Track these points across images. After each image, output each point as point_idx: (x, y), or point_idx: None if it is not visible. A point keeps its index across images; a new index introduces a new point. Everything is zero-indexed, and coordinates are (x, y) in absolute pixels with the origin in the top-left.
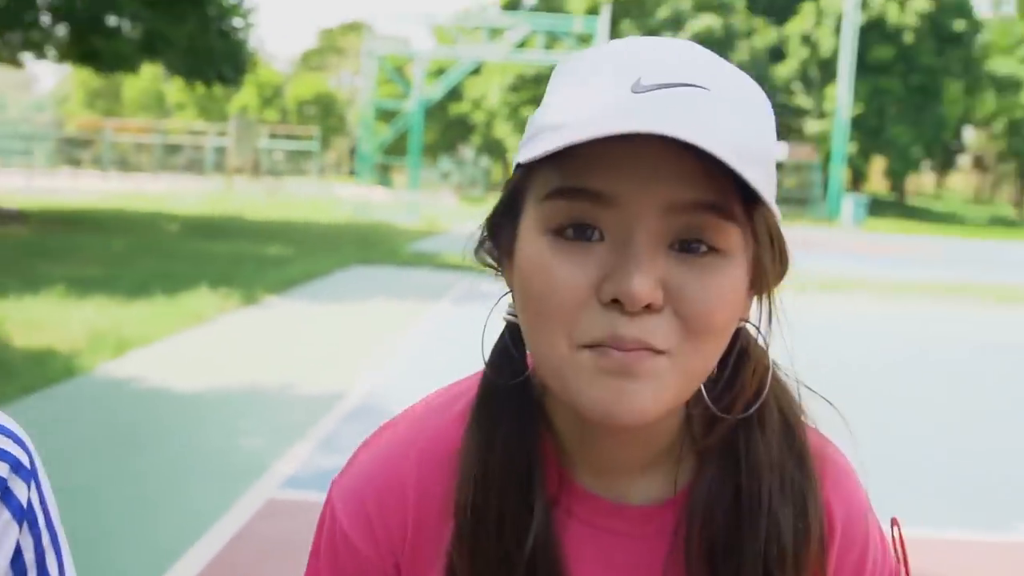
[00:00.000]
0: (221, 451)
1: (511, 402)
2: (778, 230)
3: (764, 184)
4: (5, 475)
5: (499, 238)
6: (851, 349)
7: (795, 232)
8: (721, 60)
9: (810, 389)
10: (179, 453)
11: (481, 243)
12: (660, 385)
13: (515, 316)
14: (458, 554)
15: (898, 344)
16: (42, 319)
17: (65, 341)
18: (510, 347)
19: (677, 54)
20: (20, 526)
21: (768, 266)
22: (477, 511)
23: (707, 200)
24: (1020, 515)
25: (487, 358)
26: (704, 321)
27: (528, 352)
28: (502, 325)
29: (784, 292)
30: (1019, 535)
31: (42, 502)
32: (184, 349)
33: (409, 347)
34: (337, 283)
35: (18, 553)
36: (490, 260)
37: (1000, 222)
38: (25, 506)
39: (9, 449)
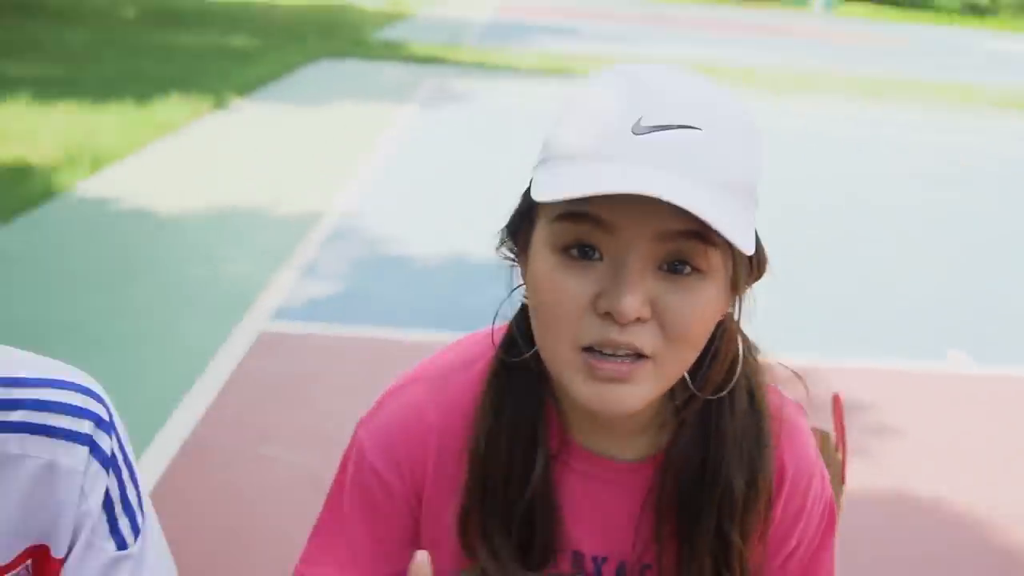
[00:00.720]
0: (205, 282)
1: (519, 376)
2: (757, 241)
3: (739, 216)
4: (91, 431)
5: (516, 238)
6: (820, 159)
7: (764, 17)
8: (718, 91)
9: (785, 367)
10: (164, 285)
11: (501, 242)
12: (643, 388)
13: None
14: (470, 495)
15: (867, 154)
16: (11, 129)
17: (38, 154)
18: (519, 330)
19: (676, 90)
20: (108, 472)
21: (743, 277)
22: (488, 461)
23: (692, 229)
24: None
25: (503, 339)
26: (684, 333)
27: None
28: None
29: (760, 93)
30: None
31: (121, 447)
32: (158, 163)
33: (382, 157)
34: (305, 81)
35: (107, 494)
36: (510, 256)
37: (972, 9)
38: (109, 455)
39: (91, 408)
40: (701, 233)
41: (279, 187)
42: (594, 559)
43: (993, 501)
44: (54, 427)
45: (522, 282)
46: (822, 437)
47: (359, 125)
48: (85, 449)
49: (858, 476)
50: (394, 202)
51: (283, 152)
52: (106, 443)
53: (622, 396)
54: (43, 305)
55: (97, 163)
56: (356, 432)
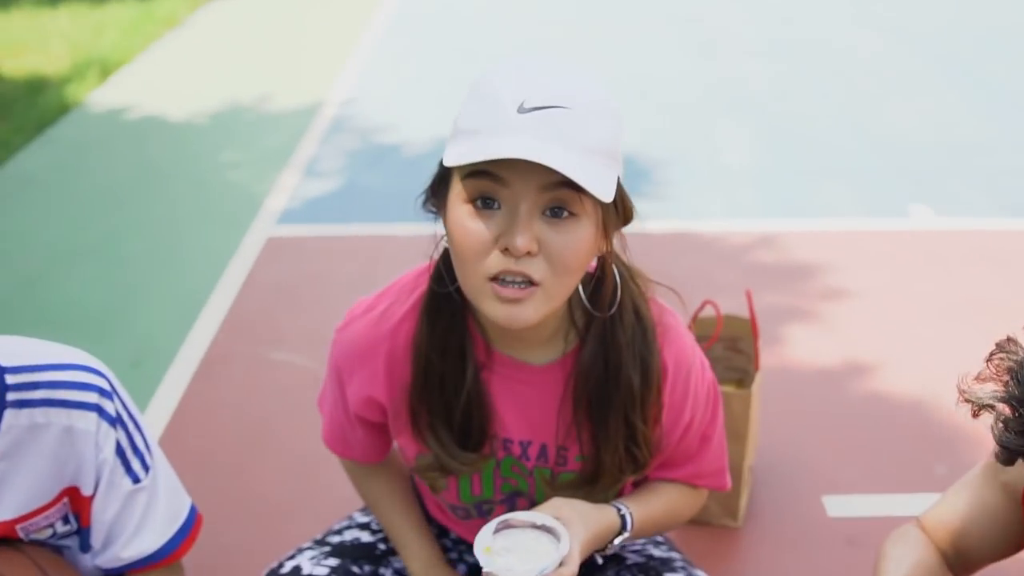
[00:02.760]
0: (215, 189)
1: (446, 303)
2: (622, 193)
3: (601, 173)
4: (97, 400)
5: (437, 196)
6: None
7: None
8: (584, 78)
9: (656, 282)
10: (176, 196)
11: (426, 199)
12: (536, 306)
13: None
14: (416, 397)
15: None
16: (22, 38)
17: (50, 63)
18: (442, 268)
19: (551, 78)
20: (115, 428)
21: (612, 221)
22: (428, 371)
23: (565, 181)
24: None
25: (431, 273)
26: (564, 264)
27: None
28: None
29: None
30: (912, 220)
31: (124, 407)
32: (164, 64)
33: (377, 36)
34: None
35: (118, 445)
36: (432, 210)
37: None
38: (114, 415)
39: (94, 382)
40: (573, 184)
41: (282, 77)
42: (521, 443)
43: (948, 366)
44: (67, 400)
45: (444, 231)
46: (741, 324)
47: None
48: (94, 414)
49: (809, 344)
50: (392, 86)
51: (284, 38)
52: (110, 407)
53: (520, 313)
54: (65, 227)
55: (105, 71)
56: (334, 334)
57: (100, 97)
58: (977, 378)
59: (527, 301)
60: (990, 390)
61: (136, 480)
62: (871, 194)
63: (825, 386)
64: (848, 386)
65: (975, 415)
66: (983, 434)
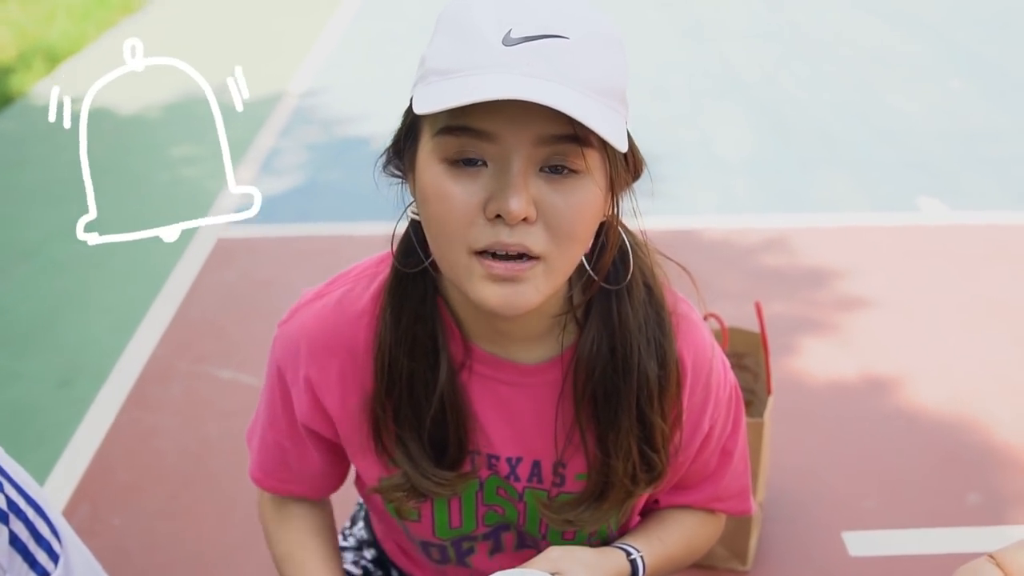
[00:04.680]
0: (165, 187)
1: (414, 286)
2: (631, 146)
3: (610, 117)
4: None
5: (402, 156)
6: None
7: None
8: (582, 3)
9: (665, 256)
10: (123, 195)
11: (388, 161)
12: (538, 285)
13: (418, 215)
14: (379, 403)
15: None
16: None
17: None
18: (414, 242)
19: (542, 3)
20: (6, 523)
21: (621, 177)
22: (392, 371)
23: (568, 133)
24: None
25: (395, 251)
26: (568, 231)
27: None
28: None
29: None
30: (924, 215)
31: (19, 490)
32: (115, 54)
33: (340, 24)
34: None
35: (14, 538)
36: (396, 172)
37: None
38: (3, 510)
39: None
40: (577, 136)
41: (241, 66)
42: (508, 460)
43: (976, 379)
44: None
45: (412, 199)
46: (748, 338)
47: None
48: None
49: (821, 356)
50: (359, 76)
51: (244, 25)
52: None
53: (518, 295)
54: (1, 227)
55: (53, 60)
56: (276, 329)
57: (45, 88)
58: None
59: (526, 280)
60: None
61: (45, 575)
62: (876, 187)
63: (840, 404)
64: (866, 404)
65: None
66: (1021, 456)
